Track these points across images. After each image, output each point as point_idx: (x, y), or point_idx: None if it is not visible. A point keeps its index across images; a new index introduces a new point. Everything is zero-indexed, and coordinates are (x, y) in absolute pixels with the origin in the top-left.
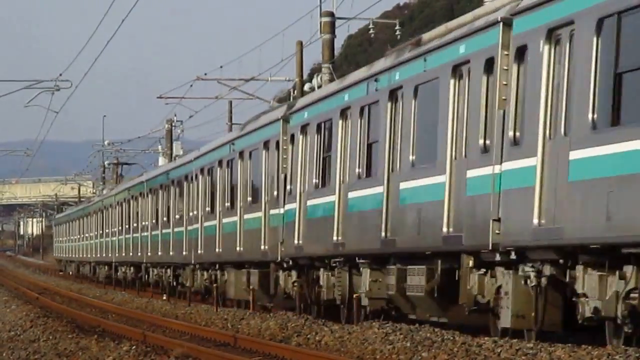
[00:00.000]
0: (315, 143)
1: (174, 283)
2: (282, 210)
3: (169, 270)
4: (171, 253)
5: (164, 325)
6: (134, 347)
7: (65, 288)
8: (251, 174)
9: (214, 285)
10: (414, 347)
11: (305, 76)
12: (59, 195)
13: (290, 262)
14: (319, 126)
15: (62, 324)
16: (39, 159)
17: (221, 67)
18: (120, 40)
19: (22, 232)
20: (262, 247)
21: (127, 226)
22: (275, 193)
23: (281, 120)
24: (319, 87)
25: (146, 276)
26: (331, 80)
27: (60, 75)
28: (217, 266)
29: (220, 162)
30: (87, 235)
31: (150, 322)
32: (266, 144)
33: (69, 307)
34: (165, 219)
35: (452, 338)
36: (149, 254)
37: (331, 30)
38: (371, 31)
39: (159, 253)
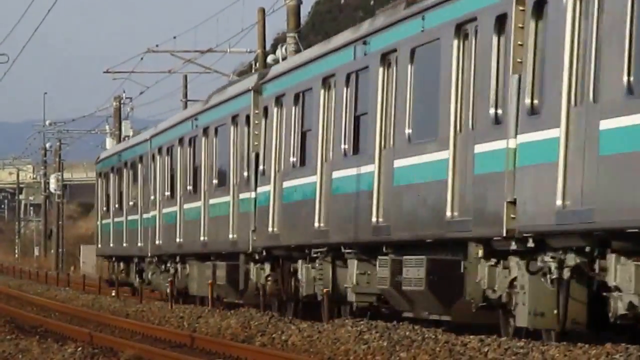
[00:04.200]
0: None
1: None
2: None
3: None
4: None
5: (112, 324)
6: (79, 348)
7: (3, 284)
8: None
9: (169, 280)
10: (391, 346)
11: (268, 47)
12: None
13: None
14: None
15: None
16: None
17: (175, 37)
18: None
19: None
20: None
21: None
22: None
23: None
24: (284, 59)
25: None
26: (297, 51)
27: None
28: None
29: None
30: None
31: (97, 321)
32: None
33: (7, 305)
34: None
35: (433, 337)
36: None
37: None
38: None
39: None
